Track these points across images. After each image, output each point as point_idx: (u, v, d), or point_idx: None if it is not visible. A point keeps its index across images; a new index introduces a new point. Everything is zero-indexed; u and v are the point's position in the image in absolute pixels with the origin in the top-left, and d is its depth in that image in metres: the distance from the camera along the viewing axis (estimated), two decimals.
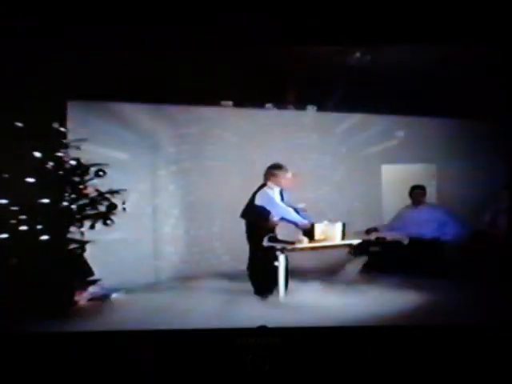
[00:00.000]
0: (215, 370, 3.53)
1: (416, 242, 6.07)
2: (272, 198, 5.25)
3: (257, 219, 5.21)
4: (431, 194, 7.06)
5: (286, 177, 5.32)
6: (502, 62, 4.73)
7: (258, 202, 5.24)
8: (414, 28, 4.30)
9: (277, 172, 5.29)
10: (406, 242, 6.15)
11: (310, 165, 6.66)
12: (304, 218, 5.27)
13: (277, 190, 5.33)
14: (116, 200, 5.21)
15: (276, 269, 5.11)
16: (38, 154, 4.92)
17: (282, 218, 5.31)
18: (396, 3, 4.29)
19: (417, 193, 6.41)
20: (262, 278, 5.19)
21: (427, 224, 6.15)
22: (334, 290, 5.32)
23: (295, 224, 5.26)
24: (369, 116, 6.70)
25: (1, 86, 4.52)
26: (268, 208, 5.21)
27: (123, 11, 4.25)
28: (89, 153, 5.14)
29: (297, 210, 5.33)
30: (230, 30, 4.21)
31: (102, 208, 5.20)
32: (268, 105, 6.44)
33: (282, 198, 5.39)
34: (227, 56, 5.07)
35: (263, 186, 5.31)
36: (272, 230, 5.27)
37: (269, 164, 5.39)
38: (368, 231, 6.16)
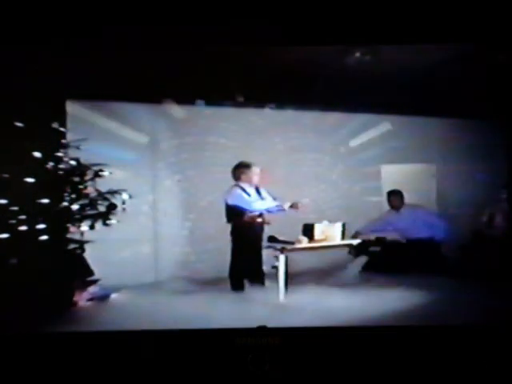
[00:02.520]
0: (215, 369, 3.52)
1: (414, 242, 6.08)
2: (240, 195, 5.28)
3: (235, 218, 5.26)
4: (431, 194, 7.08)
5: (256, 172, 5.39)
6: (501, 61, 4.73)
7: (230, 201, 5.29)
8: (413, 28, 4.30)
9: (246, 170, 5.36)
10: (403, 241, 6.17)
11: (309, 165, 6.67)
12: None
13: (249, 187, 5.37)
14: (116, 200, 5.22)
15: (258, 269, 5.25)
16: (37, 154, 4.92)
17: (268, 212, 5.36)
18: (396, 3, 4.29)
19: (394, 199, 6.38)
20: (240, 278, 5.27)
21: (414, 226, 6.14)
22: (334, 289, 5.32)
23: (278, 210, 5.33)
24: (369, 116, 6.70)
25: (1, 86, 4.52)
26: (241, 205, 5.25)
27: (123, 10, 4.25)
28: (88, 153, 5.14)
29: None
30: (230, 29, 4.21)
31: (102, 208, 5.20)
32: (268, 105, 6.44)
33: (260, 195, 5.43)
34: (227, 56, 5.07)
35: (233, 186, 5.37)
36: (258, 229, 5.31)
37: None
38: (353, 237, 6.06)
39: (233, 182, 5.40)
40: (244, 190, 5.31)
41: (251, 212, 5.25)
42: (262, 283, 5.36)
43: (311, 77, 5.68)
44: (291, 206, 5.35)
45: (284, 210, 5.34)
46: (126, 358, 3.58)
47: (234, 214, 5.26)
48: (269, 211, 5.35)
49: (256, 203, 5.28)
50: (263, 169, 5.47)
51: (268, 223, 5.36)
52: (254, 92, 5.87)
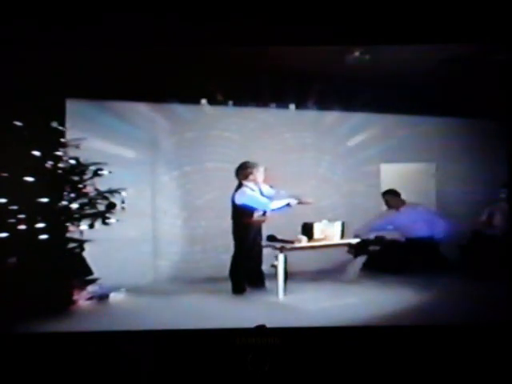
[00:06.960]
0: (215, 369, 3.53)
1: (414, 242, 6.08)
2: (252, 194, 5.32)
3: (243, 218, 5.25)
4: (430, 194, 7.08)
5: (261, 172, 5.44)
6: (501, 61, 4.73)
7: (238, 201, 5.30)
8: (414, 28, 4.30)
9: (251, 170, 5.40)
10: (402, 240, 6.17)
11: (309, 164, 6.66)
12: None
13: (255, 186, 5.39)
14: (115, 199, 5.21)
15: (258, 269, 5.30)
16: (37, 153, 4.92)
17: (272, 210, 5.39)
18: (396, 3, 4.28)
19: (389, 199, 6.36)
20: (242, 278, 5.30)
21: (414, 224, 6.14)
22: (333, 289, 5.33)
23: (286, 206, 5.39)
24: (369, 116, 6.69)
25: (0, 85, 4.51)
26: (251, 204, 5.26)
27: (122, 10, 4.24)
28: (88, 152, 5.13)
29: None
30: (230, 29, 4.20)
31: (101, 207, 5.20)
32: (268, 104, 6.44)
33: (262, 194, 5.46)
34: (227, 56, 5.06)
35: (240, 186, 5.37)
36: (258, 228, 5.32)
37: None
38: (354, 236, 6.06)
39: (235, 182, 5.40)
40: (252, 190, 5.33)
41: (261, 211, 5.28)
42: (263, 285, 5.37)
43: (311, 77, 5.68)
44: (299, 203, 5.37)
45: (291, 206, 5.37)
46: (126, 357, 3.58)
47: (242, 213, 5.26)
48: (278, 209, 5.39)
49: (267, 201, 5.32)
50: (266, 167, 5.52)
51: (263, 222, 5.39)
52: (254, 92, 5.87)
